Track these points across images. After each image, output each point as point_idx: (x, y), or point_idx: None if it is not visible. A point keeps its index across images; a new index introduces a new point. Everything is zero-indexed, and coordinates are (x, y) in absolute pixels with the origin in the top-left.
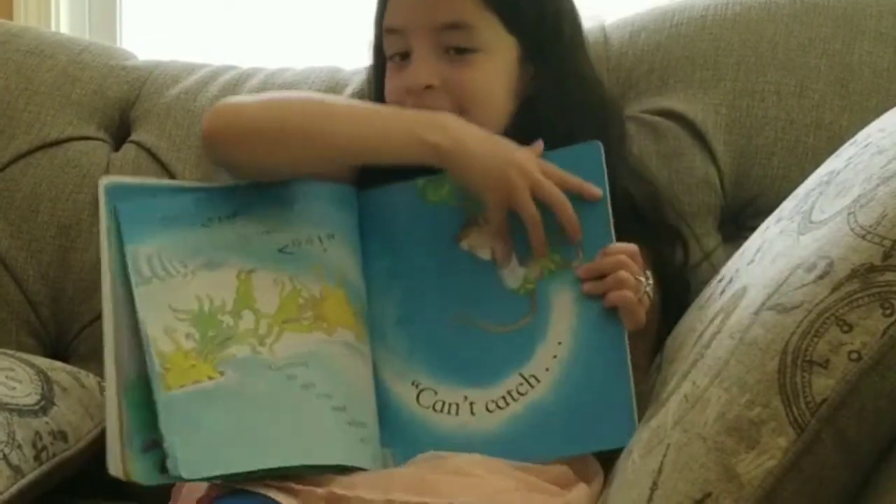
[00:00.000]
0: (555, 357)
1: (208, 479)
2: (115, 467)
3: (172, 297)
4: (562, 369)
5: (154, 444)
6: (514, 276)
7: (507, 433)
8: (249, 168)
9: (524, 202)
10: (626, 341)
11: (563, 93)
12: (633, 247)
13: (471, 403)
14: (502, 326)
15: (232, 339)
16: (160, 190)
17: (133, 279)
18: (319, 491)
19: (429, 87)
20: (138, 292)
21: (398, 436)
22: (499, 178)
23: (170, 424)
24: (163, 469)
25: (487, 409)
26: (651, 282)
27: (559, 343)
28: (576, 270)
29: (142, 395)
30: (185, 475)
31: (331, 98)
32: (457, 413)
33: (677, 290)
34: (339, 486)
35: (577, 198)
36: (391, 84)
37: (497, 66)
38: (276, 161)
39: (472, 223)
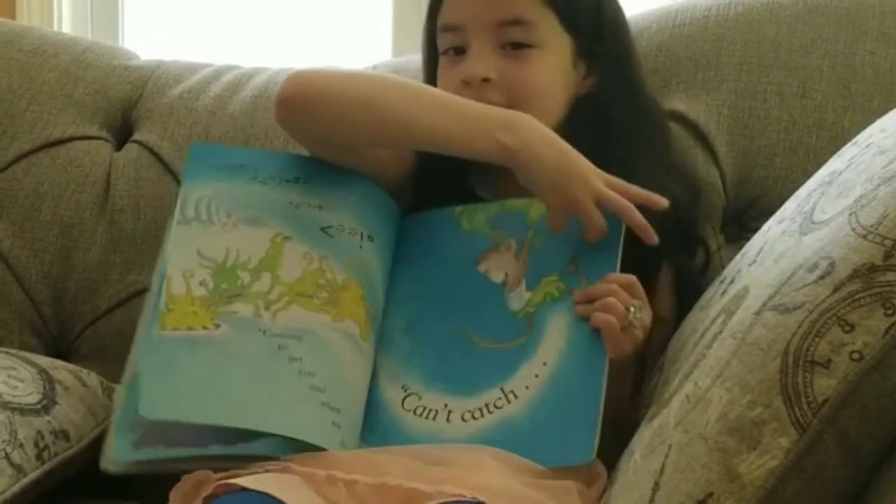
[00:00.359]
0: (536, 376)
1: (163, 422)
2: (103, 458)
3: (204, 242)
4: (539, 387)
5: (137, 424)
6: (519, 299)
7: (475, 441)
8: (322, 136)
9: (588, 211)
10: (605, 364)
11: (620, 94)
12: (630, 277)
13: (449, 411)
14: (495, 343)
15: (241, 296)
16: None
17: (176, 216)
18: (320, 473)
19: (486, 80)
20: (175, 230)
21: (377, 434)
22: (562, 187)
23: (148, 363)
24: (139, 444)
25: (462, 419)
26: (642, 315)
27: (544, 363)
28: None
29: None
30: (142, 412)
31: (416, 83)
32: (434, 419)
33: (692, 301)
34: (340, 470)
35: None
36: (446, 76)
37: (553, 62)
38: (353, 134)
39: (494, 249)
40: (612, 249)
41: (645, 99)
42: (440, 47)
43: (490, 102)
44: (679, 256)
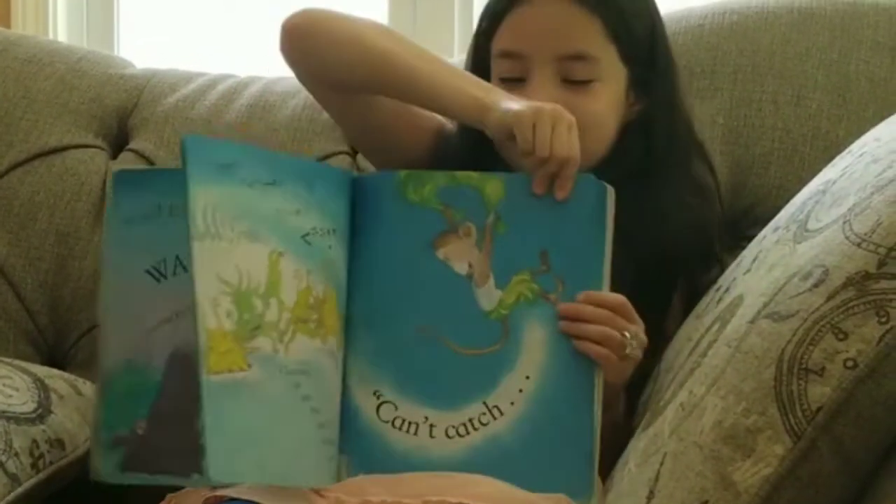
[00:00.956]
0: (521, 391)
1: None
2: (92, 468)
3: (220, 264)
4: (526, 406)
5: (119, 441)
6: (489, 297)
7: (465, 463)
8: (319, 72)
9: (542, 136)
10: (595, 389)
11: (663, 120)
12: (621, 299)
13: (431, 426)
14: (470, 349)
15: (260, 328)
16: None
17: (191, 228)
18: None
19: None
20: (196, 246)
21: (355, 445)
22: (530, 114)
23: (210, 420)
24: (125, 468)
25: (447, 435)
26: (637, 342)
27: (527, 377)
28: (553, 305)
29: (124, 384)
30: (214, 478)
31: (417, 46)
32: (416, 433)
33: None
34: (344, 491)
35: (579, 231)
36: None
37: (611, 95)
38: (347, 71)
39: (452, 232)
40: (596, 256)
41: (685, 124)
42: (496, 73)
43: None
44: (698, 274)
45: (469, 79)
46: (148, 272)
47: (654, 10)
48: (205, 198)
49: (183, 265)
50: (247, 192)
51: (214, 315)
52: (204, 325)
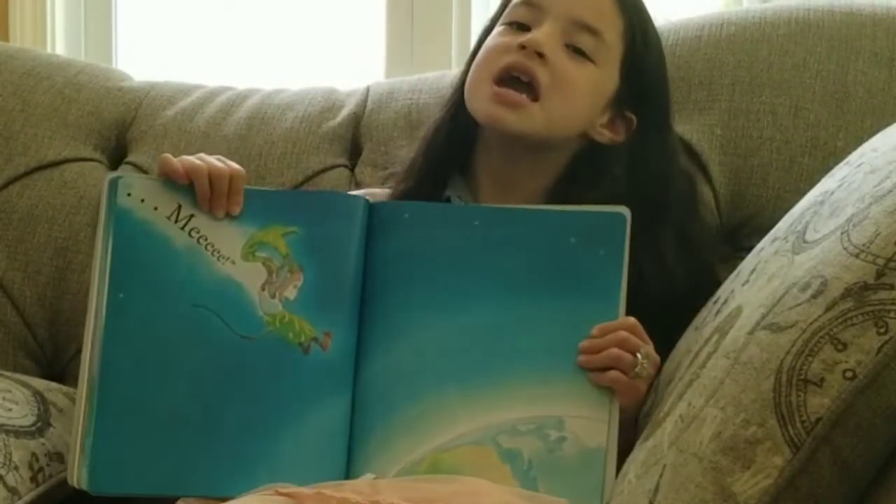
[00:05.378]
0: None
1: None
2: (70, 475)
3: None
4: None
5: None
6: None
7: None
8: None
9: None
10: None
11: (643, 159)
12: (630, 320)
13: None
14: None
15: None
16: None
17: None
18: (307, 492)
19: (541, 55)
20: None
21: None
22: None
23: None
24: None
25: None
26: (649, 360)
27: None
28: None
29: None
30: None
31: None
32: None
33: None
34: (328, 488)
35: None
36: (498, 41)
37: (597, 83)
38: None
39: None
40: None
41: (669, 169)
42: (507, 17)
43: (529, 76)
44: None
45: None
46: None
47: (664, 70)
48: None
49: None
50: None
51: None
52: None
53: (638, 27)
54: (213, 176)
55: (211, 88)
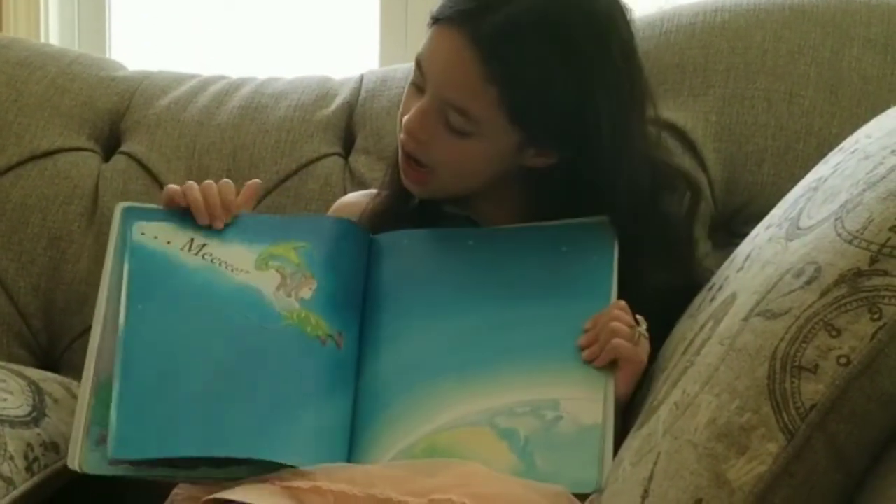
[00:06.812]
0: None
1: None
2: (71, 459)
3: None
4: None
5: (104, 439)
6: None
7: None
8: None
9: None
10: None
11: (604, 172)
12: (619, 303)
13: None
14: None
15: None
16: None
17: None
18: (303, 485)
19: (419, 141)
20: None
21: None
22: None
23: None
24: (110, 462)
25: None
26: (644, 327)
27: None
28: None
29: (108, 395)
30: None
31: None
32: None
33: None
34: (323, 481)
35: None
36: (406, 100)
37: (487, 150)
38: None
39: None
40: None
41: (627, 176)
42: (411, 73)
43: (413, 157)
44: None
45: None
46: None
47: (587, 86)
48: None
49: None
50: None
51: None
52: None
53: (517, 81)
54: (203, 188)
55: (205, 77)
